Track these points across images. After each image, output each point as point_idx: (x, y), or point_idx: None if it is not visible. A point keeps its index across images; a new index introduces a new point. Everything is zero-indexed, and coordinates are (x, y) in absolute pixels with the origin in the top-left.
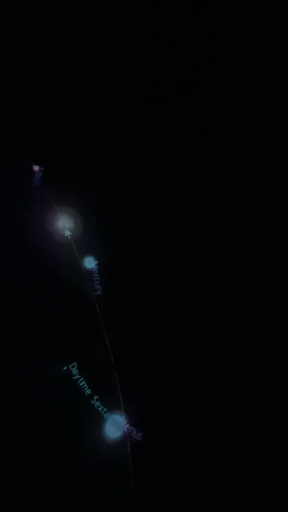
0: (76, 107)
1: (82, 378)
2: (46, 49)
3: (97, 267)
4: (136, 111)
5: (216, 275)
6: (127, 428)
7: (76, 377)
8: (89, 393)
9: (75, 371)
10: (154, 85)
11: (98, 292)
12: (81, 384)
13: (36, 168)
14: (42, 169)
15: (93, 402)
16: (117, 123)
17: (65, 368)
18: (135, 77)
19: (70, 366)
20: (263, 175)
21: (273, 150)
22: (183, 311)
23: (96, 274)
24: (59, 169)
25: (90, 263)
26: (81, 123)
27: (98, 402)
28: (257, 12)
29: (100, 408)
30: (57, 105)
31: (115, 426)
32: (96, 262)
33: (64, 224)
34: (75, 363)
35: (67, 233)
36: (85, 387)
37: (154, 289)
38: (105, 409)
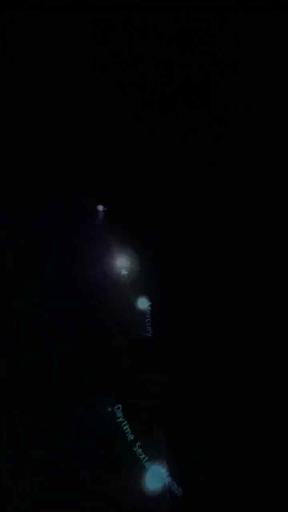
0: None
1: (126, 422)
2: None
3: (150, 308)
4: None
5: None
6: (167, 481)
7: (120, 419)
8: (131, 438)
9: (119, 413)
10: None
11: (149, 334)
12: (124, 428)
13: (100, 207)
14: (106, 208)
15: (135, 449)
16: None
17: (109, 409)
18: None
19: (115, 408)
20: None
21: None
22: (237, 357)
23: (148, 316)
24: (121, 209)
25: (143, 304)
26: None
27: (140, 449)
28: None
29: (142, 456)
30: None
31: (155, 477)
32: (150, 303)
33: (122, 263)
34: (119, 405)
35: (124, 272)
36: (128, 431)
37: (207, 333)
38: (147, 457)
